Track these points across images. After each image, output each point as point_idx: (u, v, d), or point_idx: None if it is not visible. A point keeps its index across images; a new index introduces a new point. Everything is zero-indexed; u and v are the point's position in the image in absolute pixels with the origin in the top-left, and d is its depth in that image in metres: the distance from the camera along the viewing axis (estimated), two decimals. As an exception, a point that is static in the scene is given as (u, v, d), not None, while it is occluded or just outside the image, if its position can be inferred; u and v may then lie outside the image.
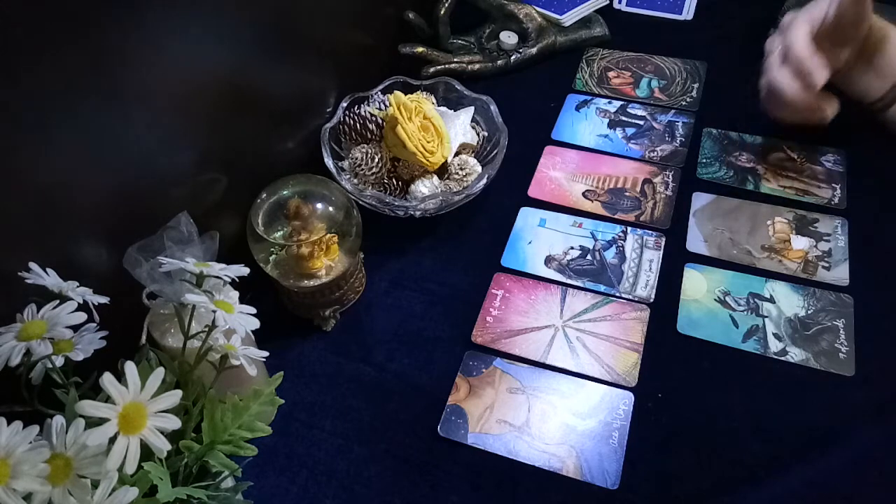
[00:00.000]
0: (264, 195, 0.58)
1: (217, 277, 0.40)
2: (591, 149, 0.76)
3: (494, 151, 0.68)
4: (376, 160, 0.65)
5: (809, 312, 0.60)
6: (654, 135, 0.77)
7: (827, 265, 0.63)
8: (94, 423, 0.32)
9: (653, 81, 0.83)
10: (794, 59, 0.62)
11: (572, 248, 0.67)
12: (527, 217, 0.70)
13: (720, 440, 0.53)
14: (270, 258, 0.58)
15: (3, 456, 0.30)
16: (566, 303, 0.62)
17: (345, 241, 0.59)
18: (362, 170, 0.66)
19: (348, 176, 0.66)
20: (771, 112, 0.68)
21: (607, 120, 0.79)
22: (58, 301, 0.38)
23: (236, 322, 0.39)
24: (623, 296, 0.63)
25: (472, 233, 0.69)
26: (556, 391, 0.57)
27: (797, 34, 0.63)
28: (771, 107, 0.68)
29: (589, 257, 0.66)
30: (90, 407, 0.31)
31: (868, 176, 0.70)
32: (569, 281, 0.64)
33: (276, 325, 0.56)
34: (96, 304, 0.39)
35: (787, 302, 0.61)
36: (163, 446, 0.33)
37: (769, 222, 0.67)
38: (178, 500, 0.36)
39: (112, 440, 0.31)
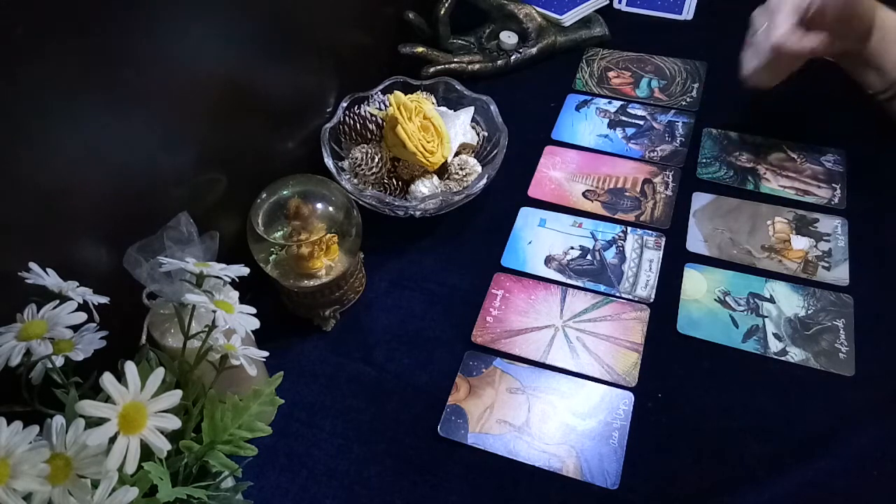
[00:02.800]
0: (264, 195, 0.58)
1: (217, 277, 0.41)
2: (591, 149, 0.76)
3: (494, 151, 0.68)
4: (376, 160, 0.65)
5: (809, 312, 0.60)
6: (654, 135, 0.77)
7: (827, 265, 0.63)
8: (94, 423, 0.32)
9: (653, 81, 0.83)
10: (770, 47, 0.63)
11: (572, 248, 0.67)
12: (527, 217, 0.70)
13: (720, 440, 0.53)
14: (270, 258, 0.58)
15: (3, 456, 0.30)
16: (566, 303, 0.62)
17: (345, 241, 0.59)
18: (362, 170, 0.66)
19: (348, 176, 0.66)
20: (756, 82, 0.67)
21: (607, 120, 0.79)
22: (58, 301, 0.37)
23: (236, 322, 0.39)
24: (623, 296, 0.63)
25: (472, 233, 0.69)
26: (556, 391, 0.57)
27: (779, 20, 0.62)
28: (760, 77, 0.67)
29: (589, 257, 0.66)
30: (90, 407, 0.31)
31: (868, 176, 0.70)
32: (569, 281, 0.64)
33: (276, 325, 0.56)
34: (96, 304, 0.39)
35: (787, 302, 0.61)
36: (163, 446, 0.33)
37: (769, 222, 0.67)
38: (178, 500, 0.36)
39: (112, 440, 0.31)
